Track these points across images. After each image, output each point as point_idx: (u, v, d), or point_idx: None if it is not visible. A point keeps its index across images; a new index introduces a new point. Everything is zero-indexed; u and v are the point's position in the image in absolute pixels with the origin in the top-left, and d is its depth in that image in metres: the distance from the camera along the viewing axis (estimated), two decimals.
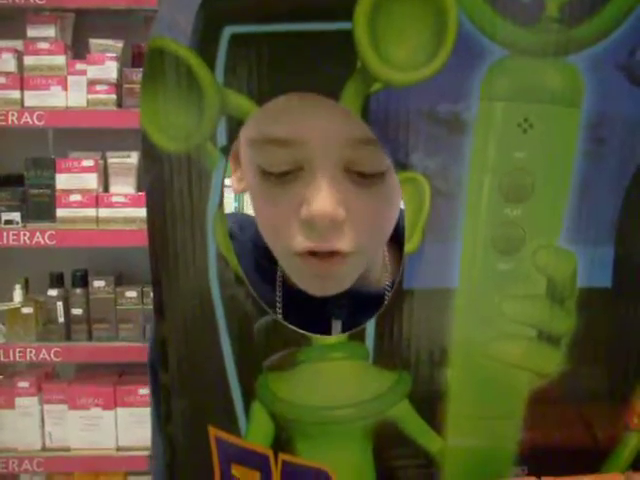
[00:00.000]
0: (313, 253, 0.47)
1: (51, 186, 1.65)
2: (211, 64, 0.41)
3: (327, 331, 0.56)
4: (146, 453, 1.62)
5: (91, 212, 1.64)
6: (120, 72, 1.68)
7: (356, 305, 0.55)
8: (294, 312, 0.56)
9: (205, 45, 0.41)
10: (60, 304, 1.67)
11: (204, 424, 0.46)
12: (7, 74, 1.64)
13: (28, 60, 1.65)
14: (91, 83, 1.65)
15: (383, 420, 0.43)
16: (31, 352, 1.64)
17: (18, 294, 1.71)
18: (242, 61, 0.40)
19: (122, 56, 1.72)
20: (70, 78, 1.65)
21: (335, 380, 0.43)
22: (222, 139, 0.42)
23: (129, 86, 1.67)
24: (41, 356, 1.64)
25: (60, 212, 1.64)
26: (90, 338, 1.69)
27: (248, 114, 0.41)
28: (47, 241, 1.62)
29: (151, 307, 0.47)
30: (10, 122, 1.61)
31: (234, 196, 1.76)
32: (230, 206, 1.77)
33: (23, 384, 1.67)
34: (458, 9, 0.37)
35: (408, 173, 0.40)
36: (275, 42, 0.39)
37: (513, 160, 0.39)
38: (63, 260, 1.75)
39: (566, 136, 0.39)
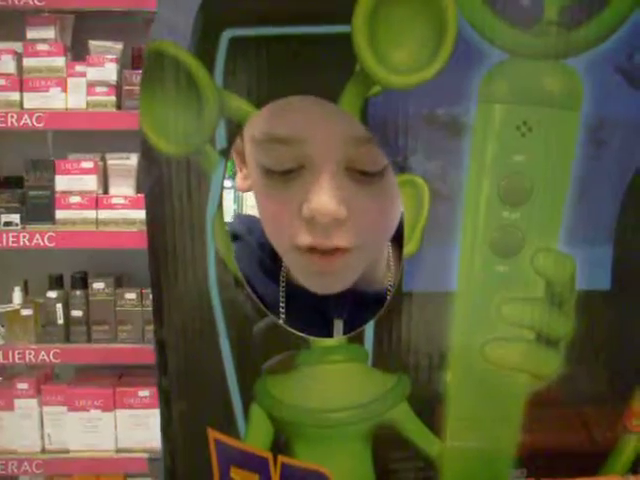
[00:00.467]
0: (315, 250, 0.47)
1: (50, 188, 1.65)
2: (210, 67, 0.41)
3: (329, 331, 0.57)
4: (145, 455, 1.62)
5: (91, 214, 1.64)
6: (120, 74, 1.68)
7: (359, 304, 0.55)
8: (297, 311, 0.57)
9: (204, 48, 0.41)
10: (59, 306, 1.67)
11: (203, 427, 0.46)
12: (6, 76, 1.64)
13: (27, 62, 1.64)
14: (91, 85, 1.65)
15: (382, 423, 0.43)
16: (30, 354, 1.64)
17: (17, 296, 1.71)
18: (241, 64, 0.40)
19: (122, 58, 1.72)
20: (70, 80, 1.65)
21: (334, 383, 0.43)
22: (221, 142, 0.42)
23: (129, 88, 1.67)
24: (40, 358, 1.64)
25: (59, 214, 1.64)
26: (89, 340, 1.68)
27: (247, 117, 0.41)
28: (46, 243, 1.61)
29: (151, 309, 0.47)
30: (9, 124, 1.60)
31: (233, 198, 1.76)
32: (229, 208, 1.77)
33: (22, 386, 1.67)
34: (457, 12, 0.37)
35: (407, 176, 0.40)
36: (274, 45, 0.39)
37: (512, 163, 0.39)
38: (62, 262, 1.75)
39: (565, 139, 0.39)
